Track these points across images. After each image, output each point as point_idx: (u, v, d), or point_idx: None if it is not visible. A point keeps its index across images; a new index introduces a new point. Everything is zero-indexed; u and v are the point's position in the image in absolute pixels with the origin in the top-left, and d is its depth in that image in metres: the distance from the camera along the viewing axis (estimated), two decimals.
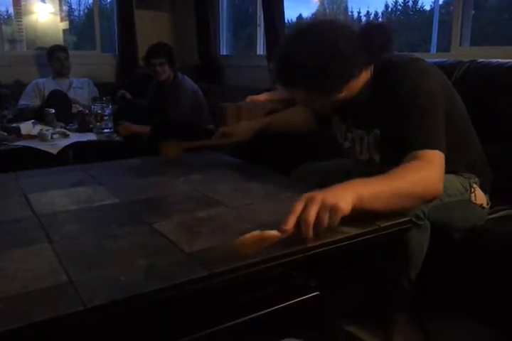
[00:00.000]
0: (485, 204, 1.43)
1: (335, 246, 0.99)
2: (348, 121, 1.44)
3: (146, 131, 2.93)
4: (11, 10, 4.28)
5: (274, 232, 0.92)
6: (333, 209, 0.93)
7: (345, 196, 0.96)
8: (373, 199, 1.00)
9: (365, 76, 1.28)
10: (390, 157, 1.18)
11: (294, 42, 1.24)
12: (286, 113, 1.77)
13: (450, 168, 1.31)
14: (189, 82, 3.08)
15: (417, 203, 1.12)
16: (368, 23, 1.28)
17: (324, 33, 1.20)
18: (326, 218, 0.92)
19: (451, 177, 1.35)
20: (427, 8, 3.13)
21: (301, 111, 1.66)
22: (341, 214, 0.94)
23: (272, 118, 1.76)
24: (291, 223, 0.92)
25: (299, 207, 0.94)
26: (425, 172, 1.09)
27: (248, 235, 0.91)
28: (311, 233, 0.92)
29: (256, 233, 0.92)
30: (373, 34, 1.20)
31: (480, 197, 1.41)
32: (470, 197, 1.38)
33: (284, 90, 1.34)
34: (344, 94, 1.26)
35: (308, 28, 1.25)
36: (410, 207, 1.11)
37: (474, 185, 1.39)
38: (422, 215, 1.24)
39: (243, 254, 0.90)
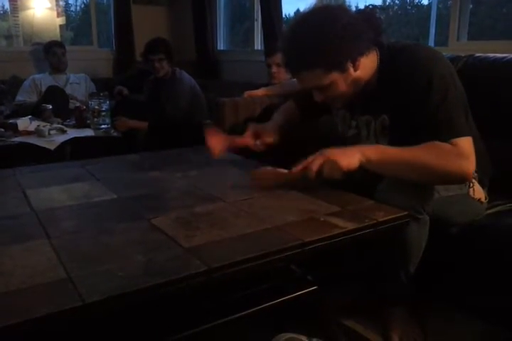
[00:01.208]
0: (483, 199, 1.43)
1: (333, 240, 1.00)
2: (354, 109, 1.43)
3: (144, 126, 2.92)
4: (7, 5, 4.26)
5: (284, 171, 1.24)
6: (334, 165, 1.13)
7: (351, 155, 1.14)
8: (382, 162, 1.16)
9: (373, 60, 1.29)
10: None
11: (299, 28, 1.27)
12: (285, 111, 1.69)
13: None
14: (187, 78, 3.08)
15: (440, 182, 1.24)
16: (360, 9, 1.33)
17: (326, 13, 1.24)
18: (326, 170, 1.14)
19: None
20: (425, 2, 3.12)
21: (291, 107, 1.67)
22: (341, 170, 1.12)
23: (280, 119, 1.65)
24: (298, 168, 1.19)
25: (310, 159, 1.17)
26: (453, 160, 1.15)
27: (262, 170, 1.30)
28: (313, 178, 1.15)
29: (269, 168, 1.29)
30: (370, 14, 1.28)
31: (478, 191, 1.41)
32: (468, 191, 1.38)
33: (299, 79, 1.31)
34: (358, 73, 1.26)
35: (309, 14, 1.28)
36: (430, 181, 1.22)
37: (473, 180, 1.39)
38: (420, 209, 1.24)
39: (259, 186, 1.26)
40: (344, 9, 1.27)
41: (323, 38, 1.19)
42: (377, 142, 1.39)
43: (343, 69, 1.24)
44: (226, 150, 1.50)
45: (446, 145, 1.15)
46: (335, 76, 1.24)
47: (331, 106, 1.47)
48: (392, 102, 1.29)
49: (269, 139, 1.50)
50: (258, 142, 1.50)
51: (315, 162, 1.15)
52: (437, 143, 1.15)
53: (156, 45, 2.99)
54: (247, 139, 1.51)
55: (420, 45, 1.32)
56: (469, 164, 1.16)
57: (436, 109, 1.19)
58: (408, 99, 1.23)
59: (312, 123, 1.66)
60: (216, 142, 1.47)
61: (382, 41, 1.31)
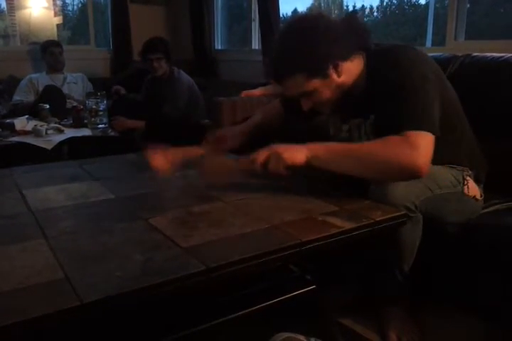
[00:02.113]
0: (478, 196, 1.44)
1: (331, 240, 1.00)
2: (344, 113, 1.44)
3: (141, 126, 2.92)
4: (4, 4, 4.23)
5: (232, 161, 1.31)
6: (278, 159, 1.16)
7: (297, 150, 1.17)
8: (328, 158, 1.17)
9: (358, 64, 1.30)
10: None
11: (280, 38, 1.31)
12: (264, 112, 1.71)
13: (444, 158, 1.33)
14: (185, 77, 3.07)
15: (388, 176, 1.18)
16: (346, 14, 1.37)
17: (306, 22, 1.27)
18: (271, 164, 1.17)
19: (444, 169, 1.36)
20: (422, 2, 3.12)
21: (275, 107, 1.68)
22: (285, 164, 1.16)
23: (257, 120, 1.68)
24: (246, 160, 1.23)
25: (260, 152, 1.20)
26: (401, 148, 1.12)
27: (210, 160, 1.32)
28: (258, 170, 1.19)
29: (217, 158, 1.32)
30: (352, 19, 1.32)
31: (473, 189, 1.41)
32: (463, 189, 1.38)
33: (283, 86, 1.32)
34: (342, 79, 1.27)
35: (290, 24, 1.34)
36: (380, 177, 1.20)
37: (468, 178, 1.40)
38: (413, 207, 1.24)
39: (205, 177, 1.31)
40: (323, 16, 1.28)
41: (302, 43, 1.23)
42: None
43: (325, 75, 1.25)
44: (176, 167, 1.33)
45: (396, 137, 1.13)
46: (317, 82, 1.25)
47: (319, 111, 1.46)
48: (376, 102, 1.28)
49: (231, 143, 1.53)
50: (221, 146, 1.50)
51: (261, 154, 1.19)
52: (390, 136, 1.14)
53: (154, 44, 2.99)
54: (196, 150, 1.41)
55: (406, 47, 1.30)
56: (419, 156, 1.11)
57: (402, 103, 1.18)
58: (384, 96, 1.23)
59: (303, 125, 1.65)
60: (160, 161, 1.31)
61: (369, 45, 1.31)
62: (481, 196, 1.45)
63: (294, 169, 1.17)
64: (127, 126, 2.93)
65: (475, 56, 1.89)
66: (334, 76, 1.26)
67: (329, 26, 1.23)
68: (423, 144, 1.12)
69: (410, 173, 1.13)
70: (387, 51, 1.29)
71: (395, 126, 1.15)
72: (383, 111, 1.23)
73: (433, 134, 1.15)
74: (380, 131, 1.20)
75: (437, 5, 2.70)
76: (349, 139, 1.43)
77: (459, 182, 1.37)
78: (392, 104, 1.20)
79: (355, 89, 1.30)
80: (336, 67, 1.25)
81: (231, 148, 1.54)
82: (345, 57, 1.26)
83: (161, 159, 1.31)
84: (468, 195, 1.39)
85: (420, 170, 1.11)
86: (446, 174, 1.36)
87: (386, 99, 1.22)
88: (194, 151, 1.41)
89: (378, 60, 1.28)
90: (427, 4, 2.80)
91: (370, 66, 1.30)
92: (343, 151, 1.19)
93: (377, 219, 1.07)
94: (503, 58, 1.79)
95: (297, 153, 1.17)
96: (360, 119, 1.39)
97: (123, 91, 3.45)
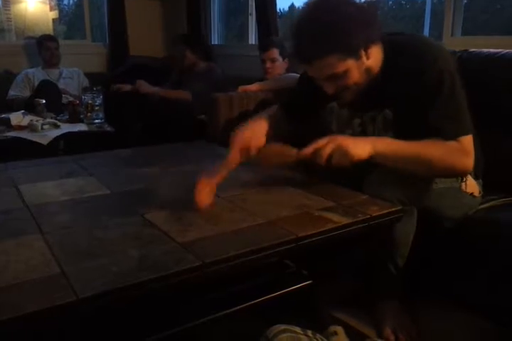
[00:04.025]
0: (476, 193, 1.44)
1: (327, 235, 1.00)
2: (356, 107, 1.39)
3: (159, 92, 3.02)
4: None
5: (293, 150, 1.18)
6: (345, 154, 1.11)
7: (362, 145, 1.14)
8: (391, 155, 1.16)
9: (379, 52, 1.26)
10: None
11: (311, 14, 1.21)
12: (269, 119, 1.43)
13: None
14: (211, 73, 3.15)
15: (439, 176, 1.28)
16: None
17: (336, 2, 1.19)
18: (336, 158, 1.12)
19: None
20: None
21: (277, 113, 1.51)
22: (351, 159, 1.11)
23: (268, 122, 1.41)
24: (309, 151, 1.15)
25: (321, 142, 1.14)
26: (458, 157, 1.18)
27: (269, 147, 1.23)
28: (322, 163, 1.13)
29: (277, 146, 1.22)
30: (375, 6, 1.29)
31: (471, 186, 1.41)
32: (461, 185, 1.38)
33: (314, 67, 1.23)
34: (370, 63, 1.23)
35: (319, 2, 1.23)
36: (432, 174, 1.25)
37: (468, 175, 1.39)
38: (406, 200, 1.24)
39: (264, 165, 1.23)
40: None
41: (338, 22, 1.15)
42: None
43: (358, 56, 1.20)
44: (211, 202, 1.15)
45: (452, 143, 1.18)
46: (350, 63, 1.20)
47: (338, 99, 1.39)
48: (397, 96, 1.26)
49: (262, 140, 1.30)
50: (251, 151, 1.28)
51: (327, 147, 1.13)
52: (449, 143, 1.18)
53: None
54: (231, 165, 1.25)
55: (422, 38, 1.32)
56: (471, 162, 1.20)
57: (445, 104, 1.20)
58: (418, 93, 1.21)
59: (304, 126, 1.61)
60: (205, 196, 1.14)
61: (382, 34, 1.27)
62: (480, 193, 1.46)
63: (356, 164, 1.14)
64: (151, 89, 3.06)
65: (472, 52, 1.88)
66: (364, 58, 1.21)
67: (361, 6, 1.19)
68: (471, 148, 1.20)
69: (460, 175, 1.33)
70: (405, 43, 1.27)
71: (441, 129, 1.18)
72: (419, 111, 1.21)
73: (471, 133, 1.21)
74: (420, 131, 1.19)
75: (434, 0, 2.70)
76: (363, 134, 1.40)
77: (457, 179, 1.37)
78: (433, 106, 1.20)
79: (372, 78, 1.27)
80: (366, 49, 1.20)
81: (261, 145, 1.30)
82: (374, 41, 1.22)
83: (207, 193, 1.14)
84: (465, 192, 1.40)
85: (468, 173, 1.25)
86: None
87: (423, 99, 1.21)
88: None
89: (396, 52, 1.26)
90: (424, 0, 2.79)
91: (387, 55, 1.28)
92: (404, 151, 1.17)
93: (374, 214, 1.08)
94: (499, 54, 1.79)
95: (363, 149, 1.14)
96: (374, 112, 1.36)
97: (127, 88, 3.36)
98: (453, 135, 1.19)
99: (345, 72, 1.21)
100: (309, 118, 1.55)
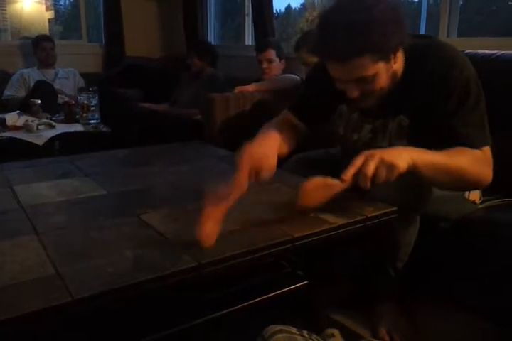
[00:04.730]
0: (477, 200, 1.45)
1: (323, 236, 1.00)
2: (368, 112, 1.34)
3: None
4: None
5: (336, 181, 1.04)
6: (391, 166, 1.01)
7: (403, 156, 1.04)
8: (425, 170, 1.08)
9: (401, 56, 1.22)
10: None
11: (346, 10, 1.11)
12: (281, 129, 1.35)
13: None
14: (214, 79, 3.18)
15: (462, 188, 1.29)
16: None
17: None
18: (383, 173, 1.01)
19: None
20: None
21: (289, 122, 1.45)
22: (397, 172, 1.02)
23: (278, 139, 1.30)
24: (350, 174, 1.02)
25: (358, 162, 1.02)
26: (483, 168, 1.17)
27: (311, 183, 1.06)
28: (368, 185, 1.01)
29: (319, 180, 1.06)
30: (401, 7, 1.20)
31: (474, 193, 1.42)
32: (463, 193, 1.39)
33: (345, 67, 1.14)
34: (396, 67, 1.19)
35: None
36: (458, 187, 1.24)
37: None
38: (408, 206, 1.23)
39: (307, 207, 1.06)
40: None
41: (376, 20, 1.07)
42: (390, 143, 1.32)
43: (388, 59, 1.14)
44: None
45: (478, 153, 1.17)
46: (381, 66, 1.13)
47: (358, 103, 1.28)
48: (417, 103, 1.23)
49: (274, 161, 1.17)
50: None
51: (368, 165, 1.00)
52: (472, 150, 1.16)
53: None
54: (241, 190, 1.07)
55: (443, 43, 1.25)
56: (491, 173, 1.18)
57: (471, 113, 1.19)
58: (443, 100, 1.18)
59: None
60: (210, 230, 0.95)
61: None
62: (480, 199, 1.46)
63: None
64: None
65: (467, 53, 1.88)
66: (392, 62, 1.16)
67: (394, 6, 1.11)
68: (491, 159, 1.19)
69: (481, 187, 1.31)
70: (426, 47, 1.23)
71: (467, 139, 1.17)
72: (441, 119, 1.19)
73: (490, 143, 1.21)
74: (441, 139, 1.18)
75: (430, 2, 2.70)
76: (373, 140, 1.35)
77: None
78: (459, 115, 1.18)
79: (394, 82, 1.22)
80: (395, 53, 1.15)
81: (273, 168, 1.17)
82: (403, 43, 1.16)
83: (211, 227, 0.95)
84: (468, 200, 1.41)
85: (488, 184, 1.20)
86: None
87: (449, 107, 1.18)
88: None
89: (417, 57, 1.21)
90: (420, 1, 2.80)
91: (409, 62, 1.23)
92: (438, 165, 1.11)
93: (369, 215, 1.08)
94: (495, 55, 1.80)
95: (404, 158, 1.04)
96: (387, 119, 1.31)
97: (154, 107, 3.27)
98: (478, 144, 1.17)
99: (374, 76, 1.15)
100: (321, 121, 1.48)
